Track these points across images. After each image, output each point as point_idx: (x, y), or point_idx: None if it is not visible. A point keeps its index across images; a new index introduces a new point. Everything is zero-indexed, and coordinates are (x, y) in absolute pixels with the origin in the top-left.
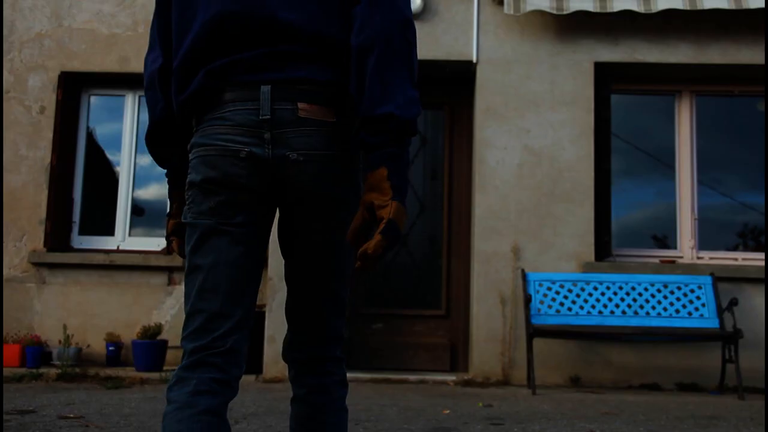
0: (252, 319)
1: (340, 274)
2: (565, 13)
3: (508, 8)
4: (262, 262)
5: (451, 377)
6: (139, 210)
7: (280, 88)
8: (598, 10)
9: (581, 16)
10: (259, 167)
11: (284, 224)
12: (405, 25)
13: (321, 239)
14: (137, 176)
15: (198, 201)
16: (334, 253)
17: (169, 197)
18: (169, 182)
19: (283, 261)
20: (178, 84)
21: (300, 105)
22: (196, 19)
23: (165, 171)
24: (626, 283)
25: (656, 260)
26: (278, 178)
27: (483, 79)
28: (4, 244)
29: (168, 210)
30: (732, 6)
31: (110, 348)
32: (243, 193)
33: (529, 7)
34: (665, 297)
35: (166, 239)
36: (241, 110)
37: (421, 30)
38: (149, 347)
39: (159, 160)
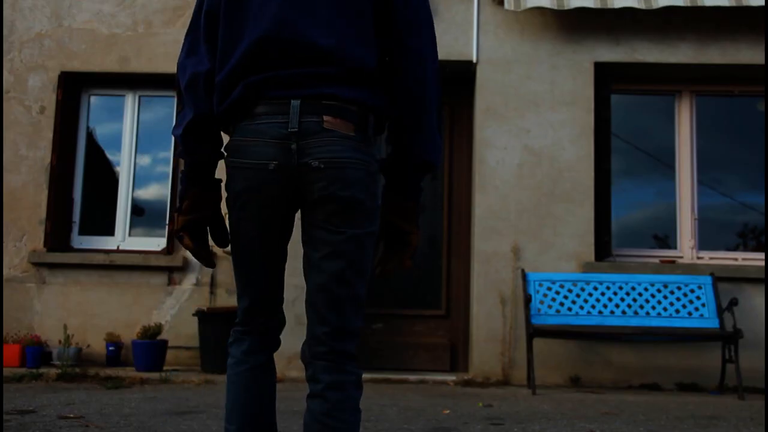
0: (282, 297)
1: (357, 269)
2: (565, 8)
3: (508, 4)
4: (286, 255)
5: (451, 377)
6: (139, 210)
7: (308, 103)
8: (598, 5)
9: (581, 15)
10: (285, 176)
11: (306, 223)
12: (440, 78)
13: (339, 236)
14: (137, 176)
15: (238, 207)
16: (350, 249)
17: (184, 194)
18: (189, 178)
19: (302, 258)
20: (220, 95)
21: (325, 117)
22: (243, 39)
23: (185, 170)
24: (626, 283)
25: (656, 260)
26: (301, 183)
27: (483, 79)
28: (4, 244)
29: (178, 206)
30: (732, 3)
31: (110, 348)
32: (272, 201)
33: (530, 4)
34: (665, 297)
35: (174, 235)
36: (272, 123)
37: None
38: (149, 347)
39: (190, 153)
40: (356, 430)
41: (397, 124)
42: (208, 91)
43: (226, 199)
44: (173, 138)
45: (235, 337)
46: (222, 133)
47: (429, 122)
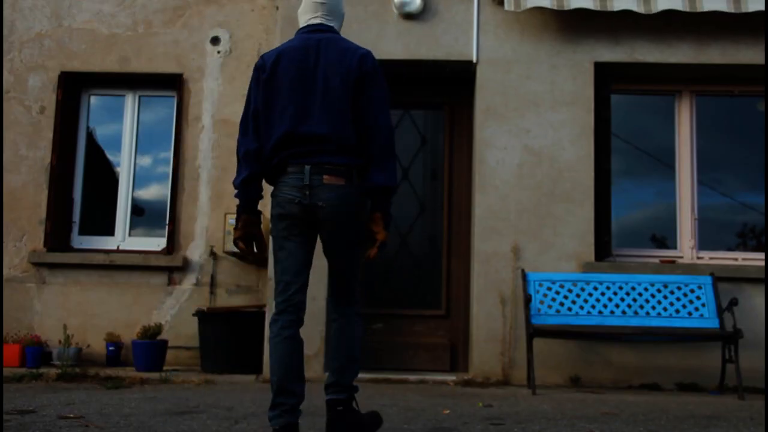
0: (306, 283)
1: (353, 261)
2: (565, 8)
3: (508, 5)
4: (311, 257)
5: (451, 377)
6: (139, 210)
7: (315, 168)
8: (598, 8)
9: (581, 15)
10: (304, 208)
11: (322, 238)
12: (393, 134)
13: (340, 244)
14: (137, 176)
15: (277, 224)
16: (348, 250)
17: (239, 218)
18: (242, 209)
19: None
20: (266, 162)
21: (324, 177)
22: (275, 132)
23: (239, 204)
24: (626, 283)
25: (656, 260)
26: (314, 214)
27: (483, 79)
28: (4, 244)
29: (235, 225)
30: (731, 9)
31: (110, 348)
32: (297, 221)
33: (530, 4)
34: (665, 297)
35: (234, 243)
36: (295, 178)
37: (421, 30)
38: (149, 347)
39: (244, 194)
40: (358, 337)
41: (366, 166)
42: (255, 159)
43: (270, 219)
44: (173, 140)
45: (273, 319)
46: (265, 182)
47: (386, 163)
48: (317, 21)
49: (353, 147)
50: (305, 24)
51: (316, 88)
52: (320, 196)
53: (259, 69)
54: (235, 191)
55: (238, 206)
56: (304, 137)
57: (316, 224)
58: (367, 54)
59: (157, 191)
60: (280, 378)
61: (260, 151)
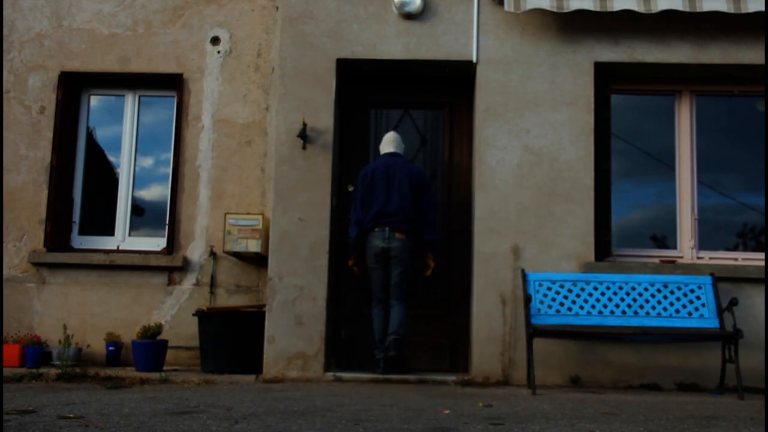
0: (389, 290)
1: (406, 278)
2: (565, 11)
3: (508, 6)
4: (389, 279)
5: (451, 377)
6: (139, 210)
7: (391, 229)
8: (598, 9)
9: (581, 15)
10: (384, 251)
11: (391, 265)
12: (435, 212)
13: (400, 269)
14: (137, 176)
15: (370, 258)
16: (404, 273)
17: (352, 253)
18: (355, 249)
19: (349, 269)
20: (365, 225)
21: (396, 234)
22: (372, 210)
23: (352, 246)
24: (626, 283)
25: (656, 260)
26: (389, 254)
27: (483, 79)
28: (4, 244)
29: (349, 256)
30: (731, 9)
31: (110, 348)
32: (380, 257)
33: (529, 5)
34: (665, 297)
35: (351, 267)
36: (380, 233)
37: (421, 30)
38: (149, 347)
39: (355, 242)
40: (406, 317)
41: (418, 228)
42: (362, 225)
43: (366, 255)
44: (173, 141)
45: (373, 305)
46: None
47: (431, 227)
48: (392, 150)
49: (412, 219)
50: (386, 152)
51: (394, 187)
52: (393, 244)
53: (363, 176)
54: (350, 239)
55: (352, 247)
56: (387, 213)
57: (390, 259)
58: (421, 172)
59: (157, 191)
60: (380, 334)
61: (364, 220)
